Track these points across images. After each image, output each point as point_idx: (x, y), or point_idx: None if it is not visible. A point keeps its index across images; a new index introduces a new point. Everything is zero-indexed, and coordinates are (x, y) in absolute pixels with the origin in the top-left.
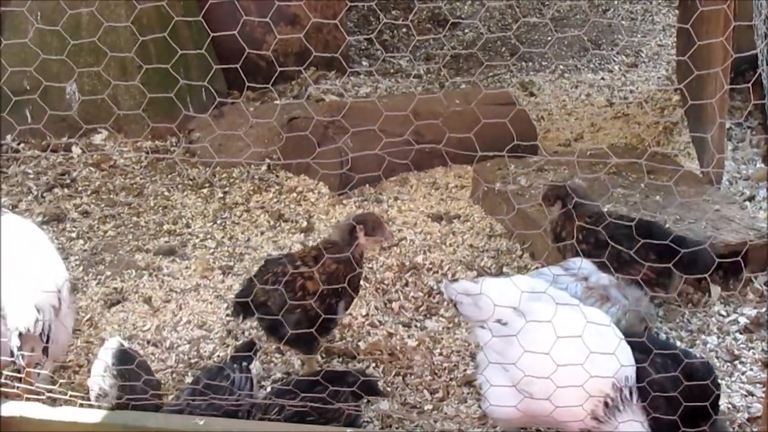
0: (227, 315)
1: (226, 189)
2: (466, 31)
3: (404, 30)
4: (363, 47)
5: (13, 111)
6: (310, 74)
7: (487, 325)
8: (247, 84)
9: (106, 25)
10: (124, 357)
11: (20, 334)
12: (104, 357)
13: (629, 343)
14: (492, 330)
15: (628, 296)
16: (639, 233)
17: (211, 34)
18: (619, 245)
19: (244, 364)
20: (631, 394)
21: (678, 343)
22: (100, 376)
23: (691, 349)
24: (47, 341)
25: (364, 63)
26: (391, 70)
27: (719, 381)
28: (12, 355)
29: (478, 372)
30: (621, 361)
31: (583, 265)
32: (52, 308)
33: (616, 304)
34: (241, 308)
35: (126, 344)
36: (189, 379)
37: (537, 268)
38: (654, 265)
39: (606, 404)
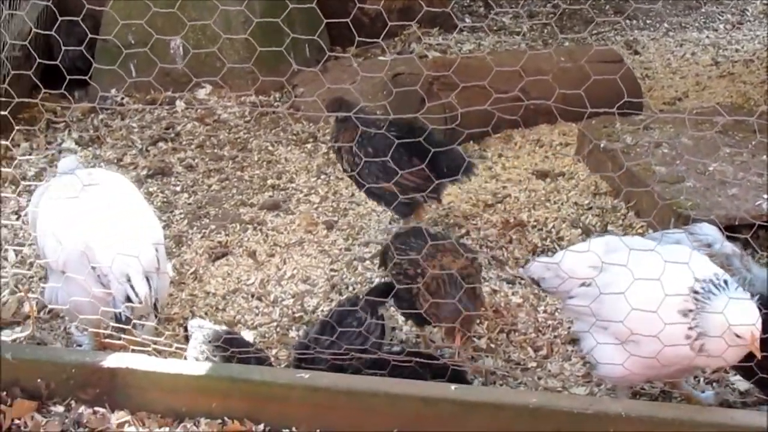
0: (331, 269)
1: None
2: None
3: None
4: (466, 4)
5: (118, 65)
6: (413, 30)
7: (574, 292)
8: (356, 39)
9: None
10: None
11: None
12: (200, 339)
13: None
14: (579, 295)
15: (751, 270)
16: (403, 140)
17: None
18: (386, 154)
19: (377, 308)
20: (726, 283)
21: None
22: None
23: None
24: (156, 305)
25: (467, 20)
26: (495, 27)
27: None
28: (119, 319)
29: (581, 343)
30: (700, 266)
31: (706, 230)
32: (156, 270)
33: (737, 275)
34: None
35: (219, 327)
36: (293, 334)
37: (642, 226)
38: (415, 170)
39: (695, 297)
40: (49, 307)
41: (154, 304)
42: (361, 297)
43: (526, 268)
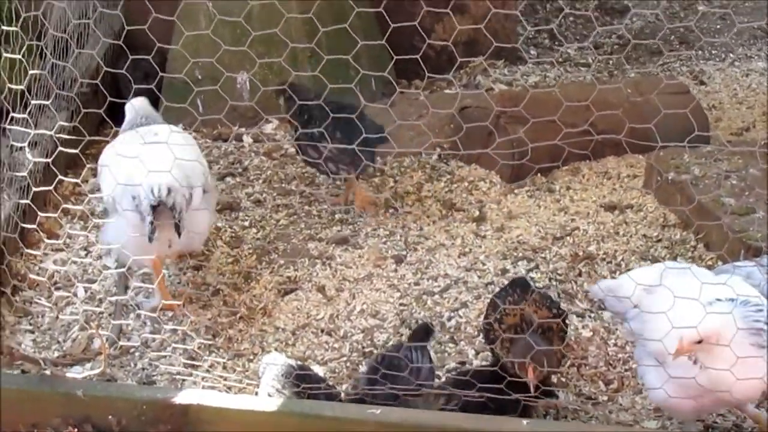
0: (400, 304)
1: (397, 178)
2: (634, 19)
3: (571, 18)
4: (531, 36)
5: (186, 100)
6: (478, 63)
7: (629, 315)
8: (421, 72)
9: (277, 16)
10: (291, 372)
11: (152, 207)
12: (272, 375)
13: None
14: (632, 317)
15: None
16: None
17: (391, 25)
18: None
19: (422, 350)
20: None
21: None
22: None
23: None
24: (179, 222)
25: (532, 52)
26: (560, 59)
27: None
28: (146, 224)
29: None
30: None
31: None
32: (183, 197)
33: None
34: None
35: (293, 362)
36: (363, 368)
37: (712, 258)
38: (337, 146)
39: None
40: (105, 248)
41: (177, 224)
42: (404, 343)
43: (591, 289)
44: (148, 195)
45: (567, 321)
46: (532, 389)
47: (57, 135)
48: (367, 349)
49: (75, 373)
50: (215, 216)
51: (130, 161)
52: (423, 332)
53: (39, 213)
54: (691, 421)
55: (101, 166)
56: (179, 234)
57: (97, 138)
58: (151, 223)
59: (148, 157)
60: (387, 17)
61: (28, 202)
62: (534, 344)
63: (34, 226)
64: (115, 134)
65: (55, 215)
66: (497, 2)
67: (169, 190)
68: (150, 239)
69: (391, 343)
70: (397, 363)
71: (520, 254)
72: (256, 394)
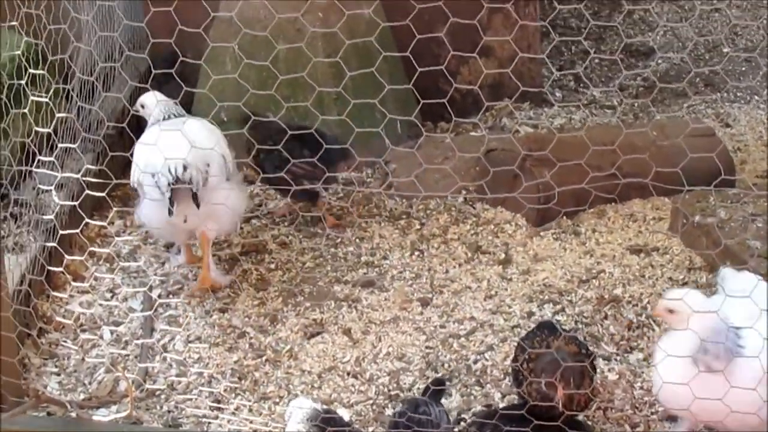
0: (426, 347)
1: (423, 220)
2: (659, 61)
3: (597, 61)
4: (556, 78)
5: None
6: (504, 106)
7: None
8: (446, 115)
9: (303, 59)
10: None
11: (169, 184)
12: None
13: None
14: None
15: None
16: (296, 137)
17: (418, 69)
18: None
19: (438, 398)
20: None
21: None
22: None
23: None
24: (196, 192)
25: (557, 94)
26: (585, 102)
27: None
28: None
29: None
30: None
31: None
32: (199, 170)
33: None
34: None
35: (318, 406)
36: (389, 411)
37: None
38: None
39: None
40: (142, 228)
41: (194, 195)
42: (419, 397)
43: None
44: (166, 174)
45: (595, 363)
46: (560, 406)
47: (83, 177)
48: (393, 392)
49: (101, 415)
50: (245, 200)
51: (152, 147)
52: (438, 383)
53: (65, 255)
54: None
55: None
56: (197, 205)
57: (123, 181)
58: (171, 199)
59: (165, 140)
60: (413, 60)
61: (54, 244)
62: (561, 361)
63: (60, 269)
64: None
65: (81, 258)
66: (523, 45)
67: (185, 167)
68: (170, 212)
69: (417, 386)
70: (418, 408)
71: (546, 297)
72: None
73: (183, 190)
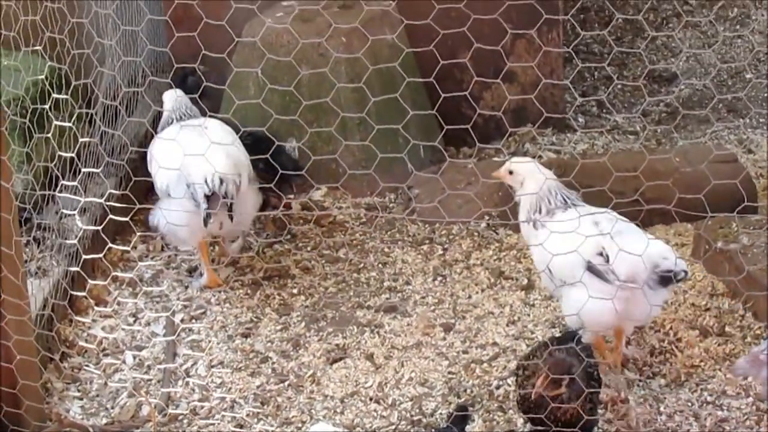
0: (449, 372)
1: (446, 246)
2: (682, 87)
3: (619, 86)
4: (579, 104)
5: None
6: (527, 131)
7: None
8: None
9: (326, 84)
10: None
11: (206, 196)
12: None
13: None
14: None
15: None
16: (253, 146)
17: (442, 95)
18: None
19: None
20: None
21: None
22: None
23: None
24: (230, 208)
25: (580, 119)
26: (608, 127)
27: None
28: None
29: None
30: None
31: None
32: (234, 183)
33: None
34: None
35: (341, 431)
36: None
37: (759, 328)
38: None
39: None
40: (157, 229)
41: (230, 206)
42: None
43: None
44: (203, 185)
45: (593, 372)
46: (532, 395)
47: (106, 202)
48: (415, 418)
49: None
50: (259, 197)
51: (180, 152)
52: (460, 413)
53: (88, 280)
54: None
55: (152, 156)
56: (232, 219)
57: (146, 206)
58: (207, 210)
59: (194, 144)
60: (436, 85)
61: (77, 269)
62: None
63: (83, 293)
64: None
65: (104, 282)
66: (546, 70)
67: (222, 181)
68: (205, 224)
69: (439, 411)
70: None
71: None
72: None
73: (217, 200)
